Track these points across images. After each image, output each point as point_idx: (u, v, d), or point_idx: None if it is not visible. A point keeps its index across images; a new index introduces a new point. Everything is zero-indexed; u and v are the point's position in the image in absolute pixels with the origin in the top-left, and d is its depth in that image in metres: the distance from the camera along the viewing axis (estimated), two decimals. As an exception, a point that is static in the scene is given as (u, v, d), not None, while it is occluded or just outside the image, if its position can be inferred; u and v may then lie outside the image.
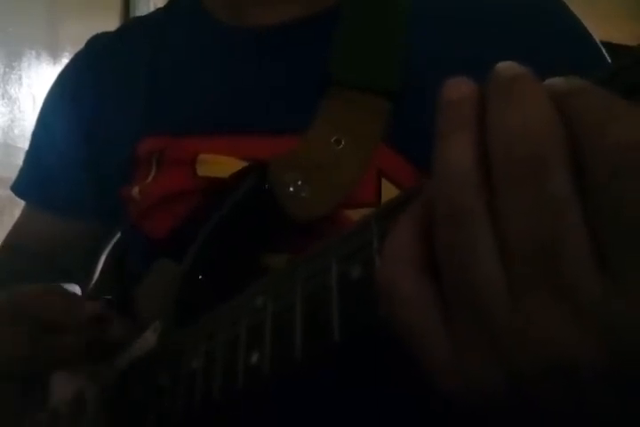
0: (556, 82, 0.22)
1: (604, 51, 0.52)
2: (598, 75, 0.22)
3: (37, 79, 1.31)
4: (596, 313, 0.19)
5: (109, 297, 0.60)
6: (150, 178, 0.54)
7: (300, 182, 0.45)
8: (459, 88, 0.23)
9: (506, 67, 0.23)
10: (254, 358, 0.32)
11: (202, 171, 0.52)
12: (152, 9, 0.70)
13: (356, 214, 0.47)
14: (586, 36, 0.52)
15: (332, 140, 0.47)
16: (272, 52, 0.54)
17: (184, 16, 0.62)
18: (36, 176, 0.67)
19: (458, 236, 0.21)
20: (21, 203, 0.71)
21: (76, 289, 0.66)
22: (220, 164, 0.51)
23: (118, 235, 0.68)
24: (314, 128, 0.49)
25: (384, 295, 0.23)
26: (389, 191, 0.47)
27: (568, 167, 0.20)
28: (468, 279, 0.21)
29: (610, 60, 0.52)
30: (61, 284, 0.63)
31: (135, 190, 0.55)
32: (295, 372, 0.29)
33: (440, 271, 0.22)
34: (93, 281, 0.70)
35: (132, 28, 0.67)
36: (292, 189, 0.45)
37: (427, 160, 0.48)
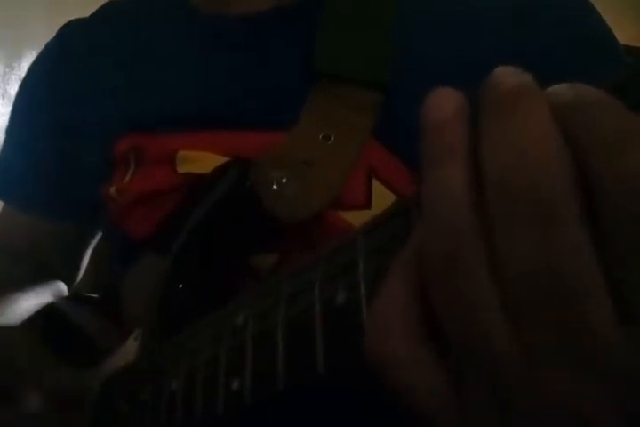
0: (560, 91, 0.18)
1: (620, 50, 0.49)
2: (604, 84, 0.18)
3: (38, 79, 1.30)
4: (618, 372, 0.16)
5: (95, 296, 0.58)
6: (128, 176, 0.52)
7: (284, 180, 0.42)
8: (443, 104, 0.20)
9: (502, 74, 0.19)
10: (235, 384, 0.30)
11: (182, 168, 0.49)
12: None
13: (347, 215, 0.44)
14: (596, 35, 0.49)
15: (321, 136, 0.45)
16: (255, 43, 0.51)
17: (163, 5, 0.59)
18: (10, 176, 0.64)
19: (456, 291, 0.18)
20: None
21: (63, 287, 0.65)
22: (200, 160, 0.48)
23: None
24: (301, 123, 0.46)
25: (381, 369, 0.20)
26: (380, 192, 0.45)
27: (577, 203, 0.17)
28: (474, 340, 0.18)
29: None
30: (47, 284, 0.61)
31: (113, 189, 0.52)
32: (278, 402, 0.27)
33: (441, 329, 0.19)
34: (78, 279, 0.68)
35: (108, 16, 0.63)
36: (275, 187, 0.42)
37: (419, 160, 0.46)
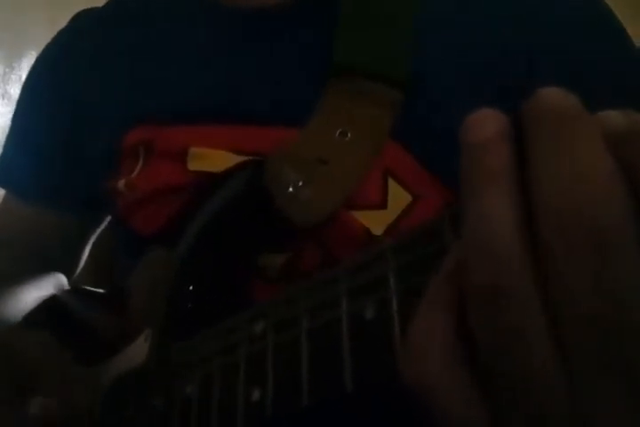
0: (611, 118, 0.18)
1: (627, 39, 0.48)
2: None
3: (38, 79, 1.29)
4: None
5: (98, 290, 0.58)
6: (137, 170, 0.51)
7: (300, 183, 0.42)
8: (485, 124, 0.19)
9: (550, 96, 0.18)
10: (255, 395, 0.29)
11: (193, 165, 0.48)
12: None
13: (359, 216, 0.43)
14: (602, 35, 0.48)
15: (338, 133, 0.44)
16: (271, 35, 0.50)
17: None
18: (15, 166, 0.63)
19: (504, 324, 0.17)
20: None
21: (63, 280, 0.64)
22: (212, 158, 0.47)
23: (105, 224, 0.65)
24: (317, 119, 0.45)
25: (416, 390, 0.20)
26: (396, 193, 0.44)
27: (637, 234, 0.16)
28: (517, 376, 0.17)
29: None
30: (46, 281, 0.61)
31: (121, 183, 0.51)
32: (302, 416, 0.27)
33: (479, 358, 0.19)
34: (77, 272, 0.67)
35: (119, 7, 0.62)
36: (291, 189, 0.42)
37: (436, 161, 0.44)
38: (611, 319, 0.16)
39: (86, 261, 0.68)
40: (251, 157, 0.46)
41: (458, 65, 0.46)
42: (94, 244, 0.67)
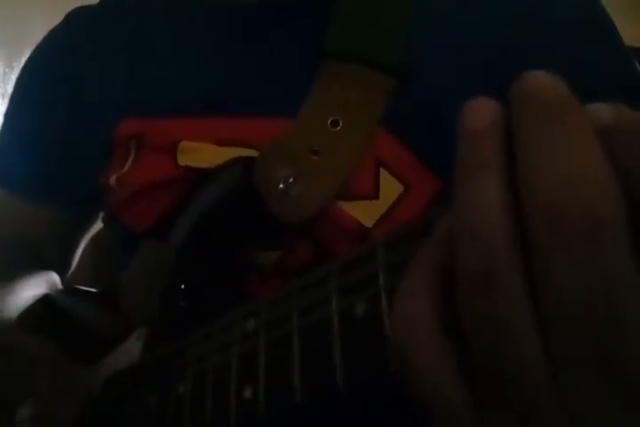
0: (601, 112, 0.18)
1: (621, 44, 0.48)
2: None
3: (38, 79, 1.29)
4: None
5: (92, 289, 0.58)
6: (128, 165, 0.51)
7: (291, 179, 0.42)
8: (480, 114, 0.19)
9: (540, 84, 0.18)
10: (247, 392, 0.29)
11: (183, 159, 0.48)
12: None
13: (350, 207, 0.43)
14: (604, 28, 0.48)
15: (329, 122, 0.44)
16: (261, 25, 0.50)
17: None
18: (11, 164, 0.63)
19: (486, 307, 0.17)
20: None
21: (56, 278, 0.63)
22: (201, 151, 0.47)
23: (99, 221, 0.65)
24: (308, 107, 0.44)
25: (401, 362, 0.20)
26: (388, 183, 0.44)
27: (627, 235, 0.16)
28: (501, 359, 0.17)
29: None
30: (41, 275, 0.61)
31: (113, 179, 0.51)
32: (294, 413, 0.27)
33: (465, 338, 0.18)
34: (71, 270, 0.67)
35: (118, 5, 0.61)
36: (281, 185, 0.42)
37: (429, 152, 0.44)
38: (603, 319, 0.16)
39: (86, 260, 0.68)
40: (241, 151, 0.45)
41: (457, 65, 0.46)
42: (95, 242, 0.67)
